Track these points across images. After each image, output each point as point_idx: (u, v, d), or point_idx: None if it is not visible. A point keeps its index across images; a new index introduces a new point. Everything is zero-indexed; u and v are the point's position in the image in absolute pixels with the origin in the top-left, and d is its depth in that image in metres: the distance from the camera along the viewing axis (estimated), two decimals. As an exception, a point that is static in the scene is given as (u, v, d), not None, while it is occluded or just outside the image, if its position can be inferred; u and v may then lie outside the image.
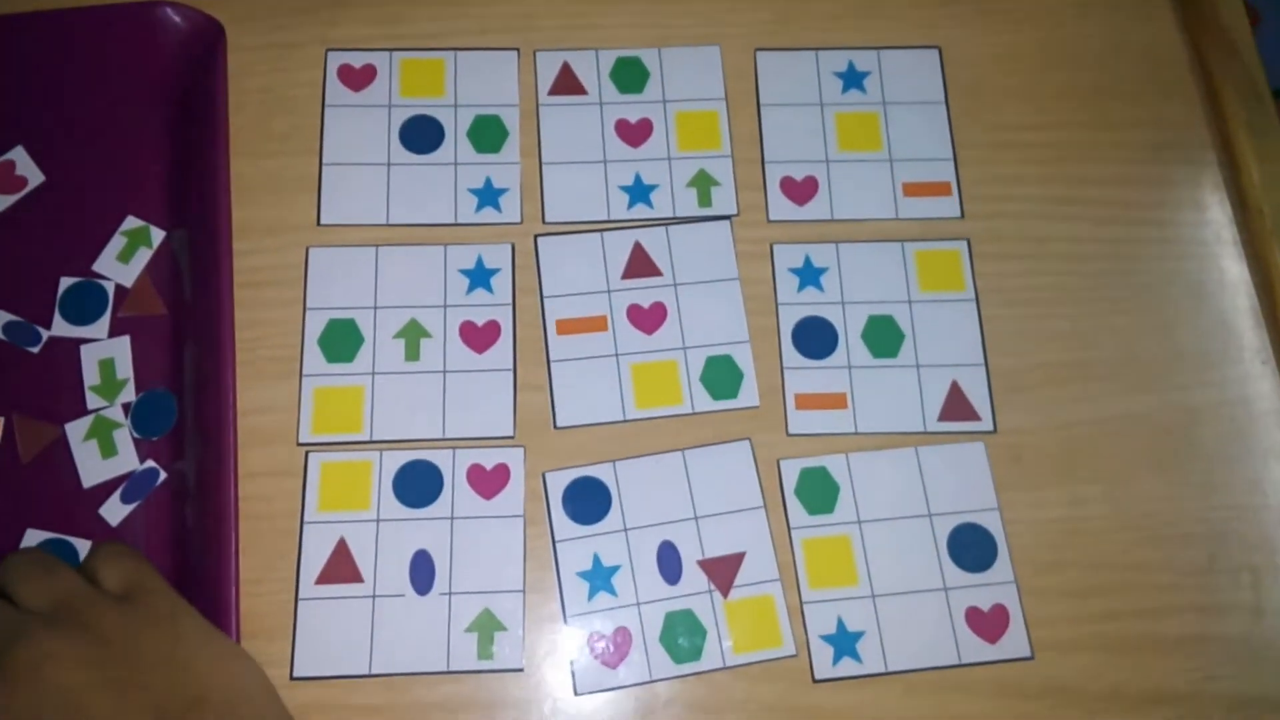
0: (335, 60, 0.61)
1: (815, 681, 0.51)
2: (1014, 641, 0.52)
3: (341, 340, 0.56)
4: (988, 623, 0.52)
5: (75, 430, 0.54)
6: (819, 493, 0.54)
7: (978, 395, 0.56)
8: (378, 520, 0.53)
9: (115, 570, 0.47)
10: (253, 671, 0.47)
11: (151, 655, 0.45)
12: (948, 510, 0.54)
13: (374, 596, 0.52)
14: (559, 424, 0.55)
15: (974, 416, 0.56)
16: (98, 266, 0.57)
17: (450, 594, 0.52)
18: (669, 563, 0.52)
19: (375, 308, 0.57)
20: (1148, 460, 0.55)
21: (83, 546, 0.52)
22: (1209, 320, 0.58)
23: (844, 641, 0.51)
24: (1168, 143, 0.61)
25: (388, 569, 0.52)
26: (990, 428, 0.56)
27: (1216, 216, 0.60)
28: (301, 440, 0.54)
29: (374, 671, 0.50)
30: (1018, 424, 0.56)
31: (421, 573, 0.52)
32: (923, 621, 0.52)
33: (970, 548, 0.53)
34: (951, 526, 0.54)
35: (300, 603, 0.51)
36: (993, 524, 0.54)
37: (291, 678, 0.50)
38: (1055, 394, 0.56)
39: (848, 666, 0.51)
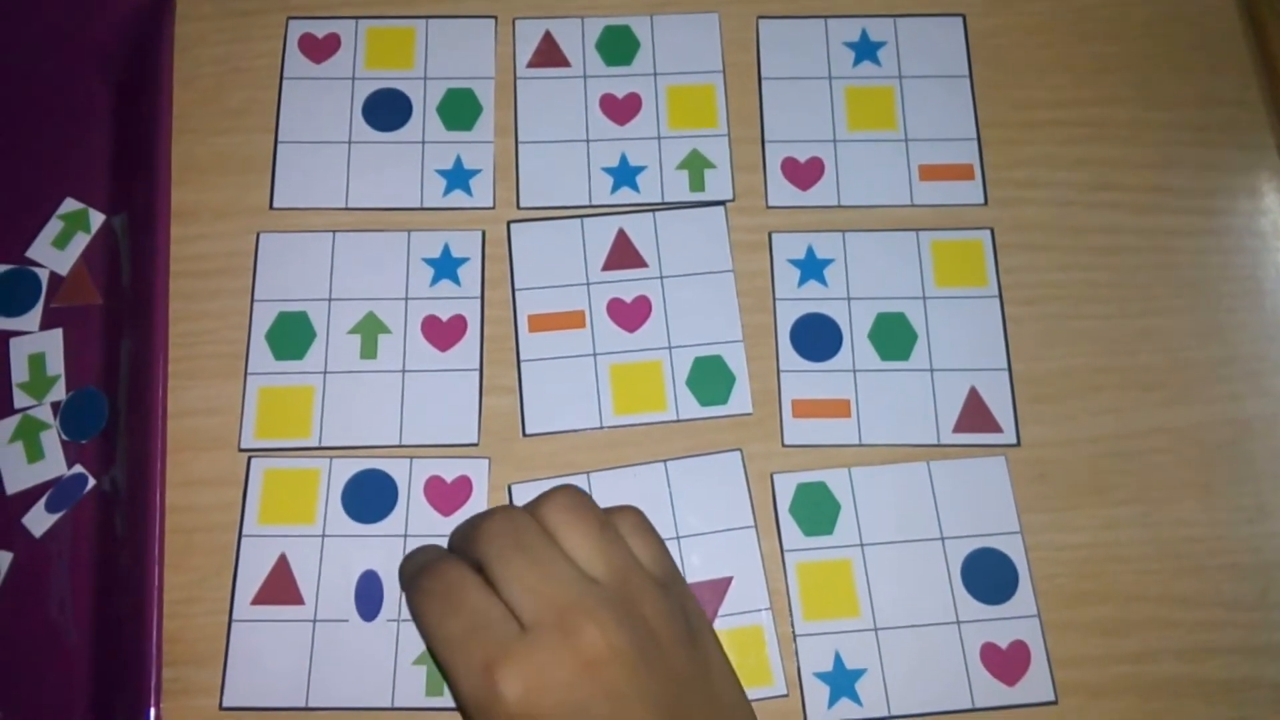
0: (297, 29, 0.57)
1: (807, 726, 0.47)
2: (1036, 684, 0.48)
3: (292, 335, 0.52)
4: (1006, 662, 0.48)
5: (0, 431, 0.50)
6: (817, 511, 0.50)
7: (999, 404, 0.52)
8: (323, 536, 0.49)
9: (647, 548, 0.41)
10: None
11: (686, 671, 0.38)
12: (963, 534, 0.50)
13: (315, 621, 0.47)
14: (528, 431, 0.51)
15: (994, 428, 0.51)
16: (31, 253, 0.53)
17: (399, 621, 0.47)
18: (646, 588, 0.48)
19: (330, 300, 0.52)
20: (1191, 480, 0.51)
21: (4, 559, 0.48)
22: (1264, 322, 0.54)
23: (842, 680, 0.47)
24: (1219, 123, 0.57)
25: (331, 591, 0.48)
26: (1013, 441, 0.51)
27: (1273, 206, 0.56)
28: (244, 445, 0.50)
29: (311, 704, 0.46)
30: (1044, 437, 0.51)
31: (369, 596, 0.48)
32: (932, 659, 0.48)
33: (988, 576, 0.49)
34: (967, 552, 0.50)
35: (234, 625, 0.47)
36: (1014, 550, 0.50)
37: (221, 708, 0.46)
38: (1087, 404, 0.52)
39: (845, 709, 0.47)
